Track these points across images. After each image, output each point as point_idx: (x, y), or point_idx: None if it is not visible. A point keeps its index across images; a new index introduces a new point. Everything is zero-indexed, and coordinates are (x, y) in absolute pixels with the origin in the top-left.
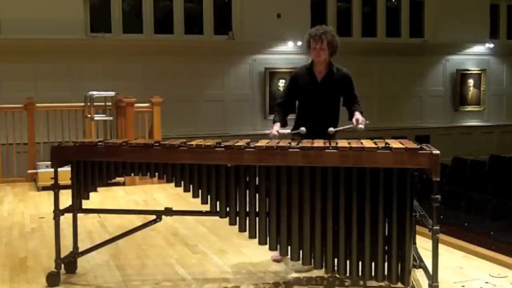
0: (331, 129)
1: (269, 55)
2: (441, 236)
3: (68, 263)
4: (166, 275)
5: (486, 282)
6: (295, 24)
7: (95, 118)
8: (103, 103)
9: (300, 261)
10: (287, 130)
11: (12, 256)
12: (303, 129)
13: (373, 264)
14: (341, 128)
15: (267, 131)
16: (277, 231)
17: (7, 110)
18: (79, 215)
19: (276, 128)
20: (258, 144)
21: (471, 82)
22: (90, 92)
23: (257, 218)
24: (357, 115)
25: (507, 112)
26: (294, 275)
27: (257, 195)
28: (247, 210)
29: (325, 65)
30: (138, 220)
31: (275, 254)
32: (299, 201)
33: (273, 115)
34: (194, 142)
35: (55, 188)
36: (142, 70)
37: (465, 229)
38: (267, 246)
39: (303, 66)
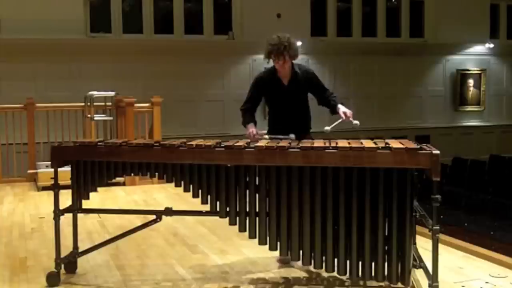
0: (326, 128)
1: None
2: (441, 236)
3: (68, 263)
4: (166, 275)
5: (486, 282)
6: (295, 24)
7: (95, 118)
8: (103, 103)
9: (300, 261)
10: (264, 131)
11: (12, 256)
12: (292, 136)
13: (373, 264)
14: (334, 124)
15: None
16: (277, 231)
17: (7, 110)
18: (79, 215)
19: (252, 129)
20: (258, 144)
21: (471, 82)
22: (90, 92)
23: (257, 218)
24: (343, 107)
25: (507, 112)
26: (294, 275)
27: (257, 195)
28: (247, 210)
29: (288, 69)
30: (138, 220)
31: (281, 258)
32: (299, 201)
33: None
34: (194, 142)
35: (55, 188)
36: (142, 70)
37: (465, 229)
38: (267, 246)
39: (266, 70)
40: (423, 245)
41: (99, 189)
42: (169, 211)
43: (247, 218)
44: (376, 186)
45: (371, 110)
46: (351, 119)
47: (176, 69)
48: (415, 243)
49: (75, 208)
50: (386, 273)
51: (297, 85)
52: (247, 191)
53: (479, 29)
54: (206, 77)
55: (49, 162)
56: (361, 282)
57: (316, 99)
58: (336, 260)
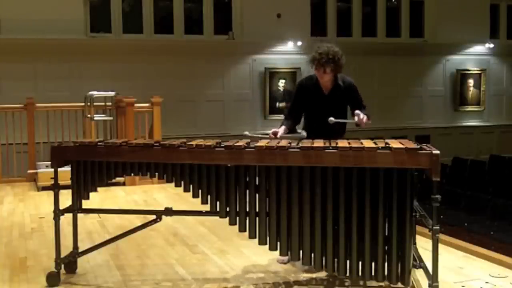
0: (331, 118)
1: (269, 55)
2: (441, 236)
3: (68, 263)
4: (166, 275)
5: (486, 282)
6: (295, 24)
7: (95, 118)
8: (103, 103)
9: (300, 261)
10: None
11: (12, 256)
12: (304, 134)
13: (373, 264)
14: (342, 120)
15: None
16: (277, 231)
17: (7, 110)
18: (79, 215)
19: (279, 129)
20: (258, 144)
21: (471, 82)
22: (90, 92)
23: (257, 218)
24: (361, 113)
25: (507, 112)
26: (294, 275)
27: (257, 195)
28: (247, 210)
29: (330, 81)
30: (138, 220)
31: (281, 258)
32: (299, 201)
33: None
34: (194, 142)
35: (55, 188)
36: (142, 70)
37: (465, 229)
38: (267, 246)
39: (309, 76)
40: (423, 245)
41: (99, 189)
42: (169, 211)
43: (247, 218)
44: (376, 186)
45: (371, 110)
46: (362, 124)
47: (176, 69)
48: (415, 243)
49: (75, 208)
50: (386, 273)
51: (337, 96)
52: (247, 191)
53: (479, 29)
54: (206, 77)
55: (49, 162)
56: (361, 282)
57: (350, 111)
58: (336, 260)
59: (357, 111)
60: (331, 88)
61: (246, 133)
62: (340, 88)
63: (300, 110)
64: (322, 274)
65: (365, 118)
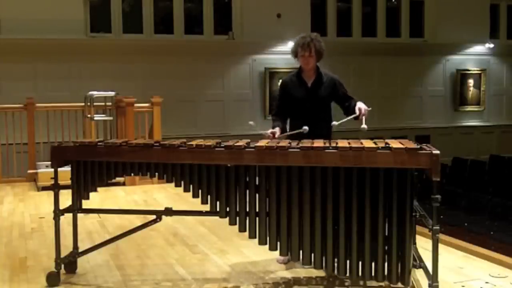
0: (334, 122)
1: (269, 55)
2: (441, 236)
3: (68, 263)
4: (166, 275)
5: (486, 282)
6: (295, 24)
7: (95, 118)
8: (103, 103)
9: (300, 261)
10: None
11: (12, 256)
12: (305, 128)
13: (373, 264)
14: (343, 120)
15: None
16: (277, 231)
17: (7, 110)
18: (79, 215)
19: (274, 130)
20: (258, 144)
21: (471, 82)
22: (90, 92)
23: (257, 218)
24: (360, 103)
25: (507, 112)
26: (294, 275)
27: (257, 195)
28: (247, 210)
29: (313, 70)
30: (138, 220)
31: (281, 258)
32: (299, 201)
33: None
34: (194, 142)
35: (55, 188)
36: (142, 70)
37: (465, 229)
38: (267, 246)
39: (290, 74)
40: (423, 245)
41: (99, 189)
42: (169, 211)
43: (247, 218)
44: (376, 186)
45: (371, 110)
46: (363, 119)
47: (176, 69)
48: (415, 243)
49: (75, 208)
50: (386, 273)
51: (320, 87)
52: (247, 191)
53: (479, 29)
54: (206, 77)
55: (49, 162)
56: (361, 282)
57: (342, 110)
58: (336, 260)
59: (359, 106)
60: (314, 78)
61: (251, 123)
62: (322, 78)
63: (286, 108)
64: (322, 274)
65: (364, 109)
